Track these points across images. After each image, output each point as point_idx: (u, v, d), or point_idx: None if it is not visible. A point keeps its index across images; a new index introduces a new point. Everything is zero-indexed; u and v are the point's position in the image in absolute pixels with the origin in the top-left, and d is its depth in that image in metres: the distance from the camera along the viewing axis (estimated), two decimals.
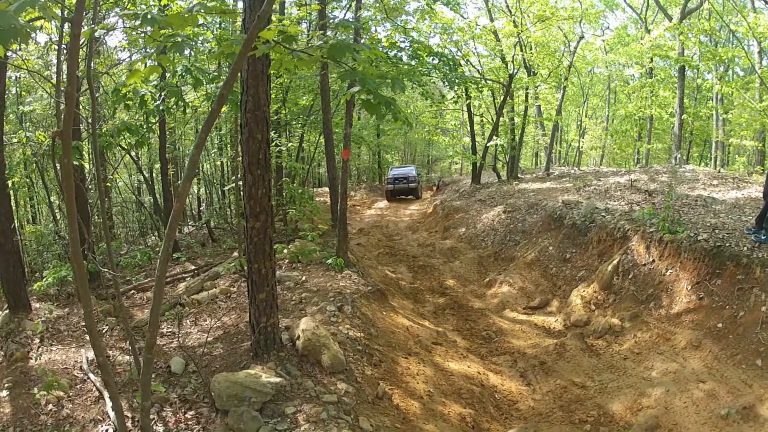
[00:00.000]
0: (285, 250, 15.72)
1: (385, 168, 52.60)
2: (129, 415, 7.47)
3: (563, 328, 13.28)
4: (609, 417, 9.11)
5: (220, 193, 30.79)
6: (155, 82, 10.88)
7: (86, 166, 16.65)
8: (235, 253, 16.65)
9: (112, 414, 7.44)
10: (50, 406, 7.98)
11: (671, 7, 32.87)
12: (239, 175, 15.42)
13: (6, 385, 8.75)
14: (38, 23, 12.58)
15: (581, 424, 9.02)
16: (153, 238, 26.21)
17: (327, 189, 27.50)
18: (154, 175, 27.41)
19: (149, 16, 4.33)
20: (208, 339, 10.34)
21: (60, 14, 6.63)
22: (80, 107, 16.66)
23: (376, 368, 9.65)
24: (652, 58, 34.55)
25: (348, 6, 24.13)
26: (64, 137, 4.14)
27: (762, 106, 25.87)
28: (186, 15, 4.44)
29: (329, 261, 14.81)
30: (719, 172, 25.30)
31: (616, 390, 9.84)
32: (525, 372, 11.14)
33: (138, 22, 4.43)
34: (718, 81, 30.76)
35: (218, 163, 29.97)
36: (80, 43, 4.29)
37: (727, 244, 11.50)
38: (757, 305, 9.94)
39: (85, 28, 5.96)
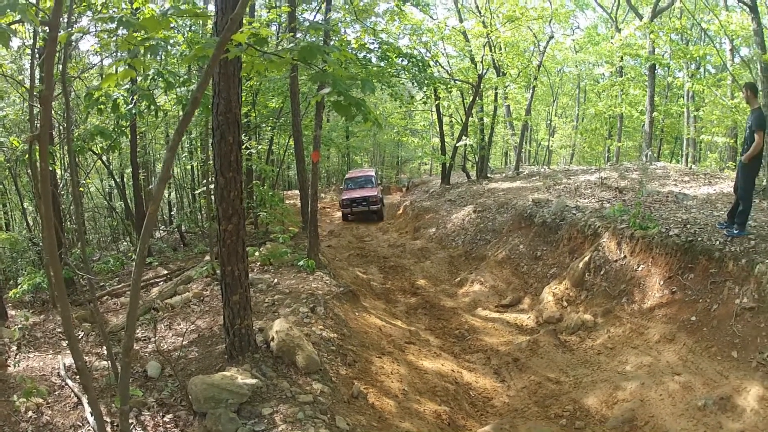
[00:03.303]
0: (257, 253, 15.72)
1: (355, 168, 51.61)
2: (108, 420, 7.45)
3: (536, 325, 13.40)
4: (584, 411, 9.21)
5: (190, 197, 30.71)
6: (127, 86, 10.87)
7: (58, 171, 16.58)
8: (207, 257, 16.61)
9: (91, 419, 7.44)
10: (30, 413, 7.94)
11: (642, 6, 33.06)
12: (211, 178, 15.41)
13: None
14: (13, 27, 12.54)
15: (557, 418, 9.12)
16: (125, 243, 26.12)
17: (297, 192, 27.54)
18: (125, 179, 27.31)
19: (125, 20, 4.36)
20: (183, 342, 10.31)
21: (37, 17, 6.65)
22: (52, 111, 16.59)
23: (350, 368, 9.70)
24: (622, 57, 34.72)
25: (318, 8, 24.19)
26: (41, 141, 4.16)
27: (734, 103, 26.18)
28: (160, 18, 4.47)
29: (301, 263, 14.82)
30: (691, 168, 25.58)
31: (590, 384, 9.96)
32: (499, 369, 11.24)
33: (113, 25, 4.46)
34: (690, 79, 31.01)
35: (188, 167, 29.87)
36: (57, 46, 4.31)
37: (699, 239, 11.69)
38: (731, 298, 10.12)
39: (61, 32, 5.98)
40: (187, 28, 20.01)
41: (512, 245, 18.00)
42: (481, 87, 32.08)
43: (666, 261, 11.99)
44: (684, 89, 33.52)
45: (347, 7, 23.88)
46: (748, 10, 18.08)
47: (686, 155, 34.50)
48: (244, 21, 6.49)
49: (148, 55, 5.00)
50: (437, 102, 34.87)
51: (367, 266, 19.72)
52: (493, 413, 9.71)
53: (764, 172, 15.37)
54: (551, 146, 50.60)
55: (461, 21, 32.62)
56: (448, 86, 31.98)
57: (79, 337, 11.34)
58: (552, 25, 33.67)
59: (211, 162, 13.91)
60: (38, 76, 11.69)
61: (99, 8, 11.86)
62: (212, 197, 14.94)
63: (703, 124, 34.09)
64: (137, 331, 11.41)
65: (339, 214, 33.89)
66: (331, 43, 16.95)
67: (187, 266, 16.89)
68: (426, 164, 60.44)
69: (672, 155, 44.32)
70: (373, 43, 20.27)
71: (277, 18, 22.41)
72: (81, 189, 20.63)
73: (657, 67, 31.11)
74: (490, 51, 30.56)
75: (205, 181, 18.78)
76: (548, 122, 51.72)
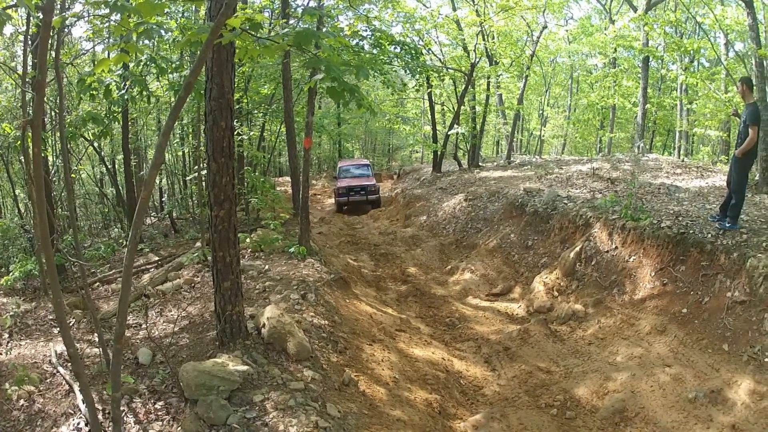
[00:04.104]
0: (248, 239, 15.68)
1: (346, 158, 51.46)
2: (99, 407, 7.40)
3: (526, 315, 13.41)
4: (575, 401, 9.22)
5: (181, 183, 30.63)
6: (119, 72, 10.83)
7: (50, 157, 16.53)
8: (198, 244, 16.56)
9: (83, 407, 7.39)
10: (22, 401, 7.90)
11: None
12: (202, 164, 15.36)
13: None
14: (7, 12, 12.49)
15: (547, 408, 9.12)
16: (116, 230, 26.04)
17: (288, 178, 27.55)
18: (116, 166, 27.22)
19: (119, 3, 4.33)
20: (175, 329, 10.28)
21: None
22: (44, 98, 16.54)
23: (341, 355, 9.69)
24: (615, 49, 34.76)
25: None
26: (35, 126, 4.13)
27: (727, 97, 26.15)
28: (155, 2, 4.44)
29: (292, 249, 14.79)
30: (683, 161, 25.63)
31: (581, 375, 9.96)
32: (489, 358, 11.23)
33: (107, 10, 4.43)
34: (683, 72, 30.98)
35: (180, 153, 29.79)
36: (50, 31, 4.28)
37: (691, 231, 11.72)
38: (722, 291, 10.15)
39: (55, 17, 5.94)
40: (180, 15, 19.93)
41: (503, 234, 18.01)
42: (474, 76, 32.06)
43: (657, 252, 12.01)
44: (677, 82, 33.47)
45: None
46: (743, 5, 18.10)
47: (678, 148, 34.50)
48: (238, 6, 6.46)
49: (142, 39, 4.97)
50: (429, 90, 34.86)
51: (358, 253, 19.69)
52: (483, 402, 9.71)
53: (757, 167, 15.44)
54: (543, 136, 50.65)
55: (454, 9, 32.57)
56: (441, 74, 31.98)
57: (71, 324, 11.30)
58: (546, 15, 33.54)
59: (202, 148, 13.88)
60: (31, 63, 11.65)
61: None
62: (204, 183, 14.90)
63: (696, 117, 34.05)
64: (128, 317, 11.37)
65: (330, 201, 33.64)
66: (324, 29, 16.90)
67: (178, 252, 16.85)
68: (417, 152, 60.39)
69: (664, 148, 44.30)
70: (365, 31, 20.26)
71: (269, 4, 22.30)
72: (73, 175, 20.54)
73: (651, 59, 31.13)
74: (483, 40, 30.51)
75: (196, 167, 18.72)
76: (540, 112, 51.76)
